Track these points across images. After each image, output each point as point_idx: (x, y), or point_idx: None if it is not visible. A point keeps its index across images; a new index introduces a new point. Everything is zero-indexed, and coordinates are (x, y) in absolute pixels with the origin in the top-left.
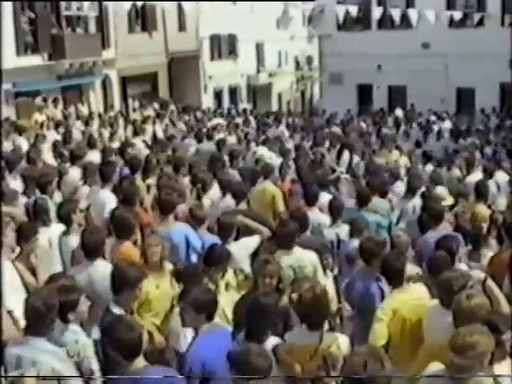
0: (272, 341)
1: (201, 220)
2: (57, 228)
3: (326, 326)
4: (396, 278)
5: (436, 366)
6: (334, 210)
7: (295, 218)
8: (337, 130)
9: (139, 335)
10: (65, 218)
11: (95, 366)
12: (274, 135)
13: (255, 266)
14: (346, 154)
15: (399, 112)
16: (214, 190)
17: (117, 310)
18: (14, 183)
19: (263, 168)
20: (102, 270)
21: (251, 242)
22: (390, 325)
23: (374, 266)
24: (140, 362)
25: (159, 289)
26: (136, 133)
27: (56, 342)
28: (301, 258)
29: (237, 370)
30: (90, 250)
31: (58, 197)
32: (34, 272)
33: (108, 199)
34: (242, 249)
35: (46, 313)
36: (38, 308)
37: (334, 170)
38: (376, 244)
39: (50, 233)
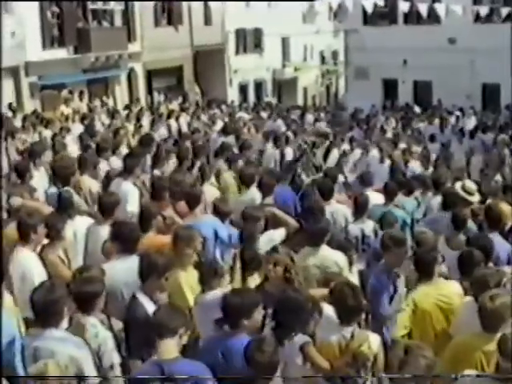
0: (301, 338)
1: (225, 214)
2: (81, 221)
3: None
4: (425, 272)
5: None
6: (360, 206)
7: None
8: (323, 126)
9: (177, 319)
10: (107, 209)
11: (116, 359)
12: (271, 129)
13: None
14: (333, 154)
15: (417, 109)
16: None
17: (143, 298)
18: (37, 174)
19: None
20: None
21: (276, 235)
22: (411, 316)
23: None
24: (173, 351)
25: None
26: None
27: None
28: (327, 258)
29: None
30: (127, 244)
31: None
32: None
33: (130, 191)
34: (266, 241)
35: (54, 304)
36: (44, 300)
37: (316, 168)
38: (391, 239)
39: (75, 226)
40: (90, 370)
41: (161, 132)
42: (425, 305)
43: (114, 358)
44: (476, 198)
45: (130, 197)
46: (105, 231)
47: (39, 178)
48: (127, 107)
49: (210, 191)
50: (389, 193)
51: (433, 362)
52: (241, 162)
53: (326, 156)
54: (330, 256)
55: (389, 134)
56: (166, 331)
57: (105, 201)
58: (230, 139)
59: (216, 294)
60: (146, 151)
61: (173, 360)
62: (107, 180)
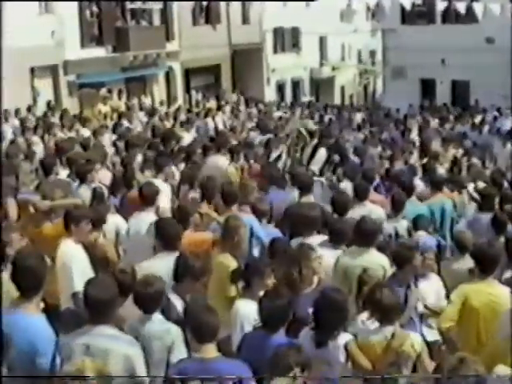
0: (344, 337)
1: (263, 213)
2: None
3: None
4: (486, 268)
5: (503, 369)
6: (397, 204)
7: None
8: (310, 123)
9: (216, 320)
10: (148, 199)
11: (185, 354)
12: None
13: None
14: (321, 153)
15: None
16: None
17: (174, 299)
18: (64, 172)
19: None
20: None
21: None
22: (460, 310)
23: (407, 272)
24: (213, 350)
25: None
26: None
27: (142, 334)
28: (374, 261)
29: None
30: (169, 241)
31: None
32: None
33: (161, 189)
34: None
35: (109, 301)
36: (99, 296)
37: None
38: (408, 249)
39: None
40: (141, 368)
41: (200, 130)
42: (475, 301)
43: (184, 353)
44: None
45: (161, 194)
46: (148, 217)
47: (65, 175)
48: (162, 104)
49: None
50: (396, 203)
51: (484, 380)
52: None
53: (312, 156)
54: (377, 259)
55: (413, 135)
56: (206, 337)
57: (145, 190)
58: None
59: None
60: (167, 146)
61: (214, 359)
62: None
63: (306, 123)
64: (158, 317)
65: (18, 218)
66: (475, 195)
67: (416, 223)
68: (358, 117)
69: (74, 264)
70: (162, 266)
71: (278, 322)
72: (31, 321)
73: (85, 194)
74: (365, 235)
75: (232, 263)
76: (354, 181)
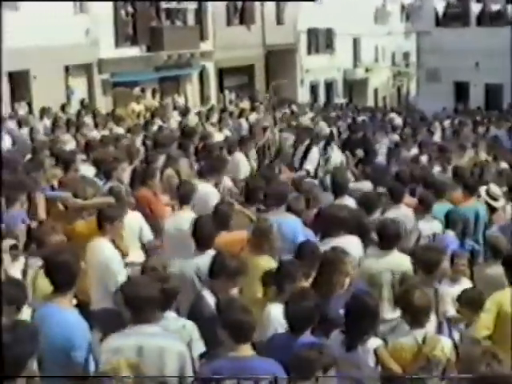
0: (374, 341)
1: (299, 213)
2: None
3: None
4: None
5: None
6: (426, 205)
7: None
8: (306, 120)
9: (253, 320)
10: (184, 197)
11: (202, 348)
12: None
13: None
14: (314, 152)
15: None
16: None
17: (208, 296)
18: (84, 168)
19: None
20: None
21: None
22: (495, 317)
23: (434, 277)
24: (248, 349)
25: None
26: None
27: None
28: (399, 263)
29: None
30: (202, 240)
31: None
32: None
33: (211, 193)
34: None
35: (153, 299)
36: (142, 295)
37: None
38: (437, 252)
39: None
40: (190, 365)
41: (233, 130)
42: (507, 307)
43: (202, 347)
44: (501, 203)
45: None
46: (187, 215)
47: (85, 172)
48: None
49: None
50: (424, 204)
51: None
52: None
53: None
54: (401, 261)
55: (436, 137)
56: (243, 337)
57: (182, 189)
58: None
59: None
60: (188, 143)
61: (249, 357)
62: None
63: (301, 120)
64: (171, 314)
65: (47, 214)
66: (487, 198)
67: (447, 225)
68: (394, 119)
69: (113, 263)
70: (191, 264)
71: (304, 324)
72: (66, 314)
73: None
74: (388, 238)
75: (272, 265)
76: (375, 182)
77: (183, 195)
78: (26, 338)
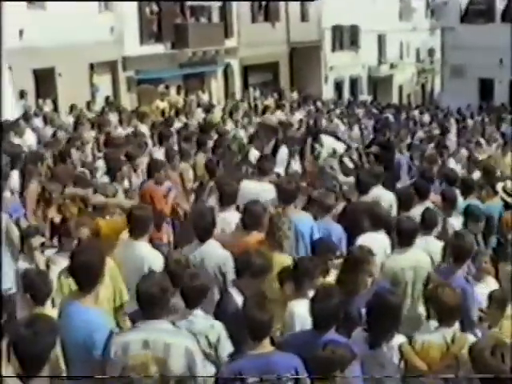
0: (398, 339)
1: (328, 208)
2: None
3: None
4: None
5: None
6: (451, 200)
7: None
8: (270, 119)
9: (271, 316)
10: (229, 197)
11: (231, 348)
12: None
13: None
14: (282, 152)
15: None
16: None
17: (235, 294)
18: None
19: None
20: (211, 250)
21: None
22: None
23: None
24: (267, 345)
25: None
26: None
27: (189, 330)
28: (420, 260)
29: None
30: (201, 231)
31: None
32: None
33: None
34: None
35: (165, 294)
36: (149, 292)
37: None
38: (469, 245)
39: None
40: (200, 362)
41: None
42: None
43: (230, 346)
44: None
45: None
46: (233, 216)
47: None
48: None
49: None
50: (448, 200)
51: None
52: None
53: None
54: (421, 258)
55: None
56: (256, 334)
57: (227, 189)
58: None
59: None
60: (206, 138)
61: (269, 353)
62: None
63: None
64: (199, 312)
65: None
66: (504, 195)
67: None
68: (421, 116)
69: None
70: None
71: (329, 322)
72: (88, 313)
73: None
74: (406, 234)
75: (288, 262)
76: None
77: (229, 195)
78: (46, 331)
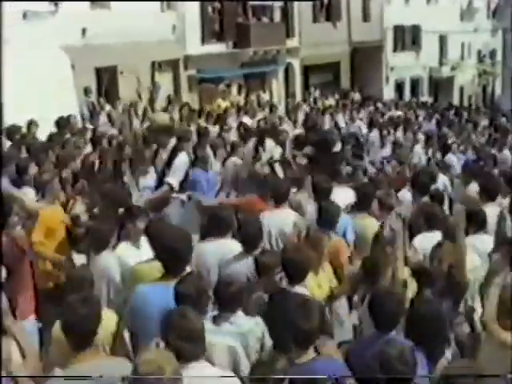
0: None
1: (390, 208)
2: None
3: None
4: None
5: None
6: (492, 189)
7: None
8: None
9: (318, 323)
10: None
11: (270, 342)
12: (426, 129)
13: None
14: (182, 159)
15: None
16: None
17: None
18: None
19: None
20: (229, 246)
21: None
22: None
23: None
24: (311, 352)
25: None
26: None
27: (238, 331)
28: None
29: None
30: (221, 227)
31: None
32: None
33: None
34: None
35: (204, 293)
36: (197, 289)
37: None
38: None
39: None
40: (245, 360)
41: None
42: None
43: (269, 339)
44: None
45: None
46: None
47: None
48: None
49: None
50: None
51: None
52: None
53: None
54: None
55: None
56: (309, 342)
57: (277, 189)
58: (373, 134)
59: None
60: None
61: (310, 361)
62: None
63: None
64: (240, 313)
65: None
66: None
67: None
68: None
69: None
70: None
71: (392, 322)
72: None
73: None
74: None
75: None
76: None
77: (282, 194)
78: (91, 313)
